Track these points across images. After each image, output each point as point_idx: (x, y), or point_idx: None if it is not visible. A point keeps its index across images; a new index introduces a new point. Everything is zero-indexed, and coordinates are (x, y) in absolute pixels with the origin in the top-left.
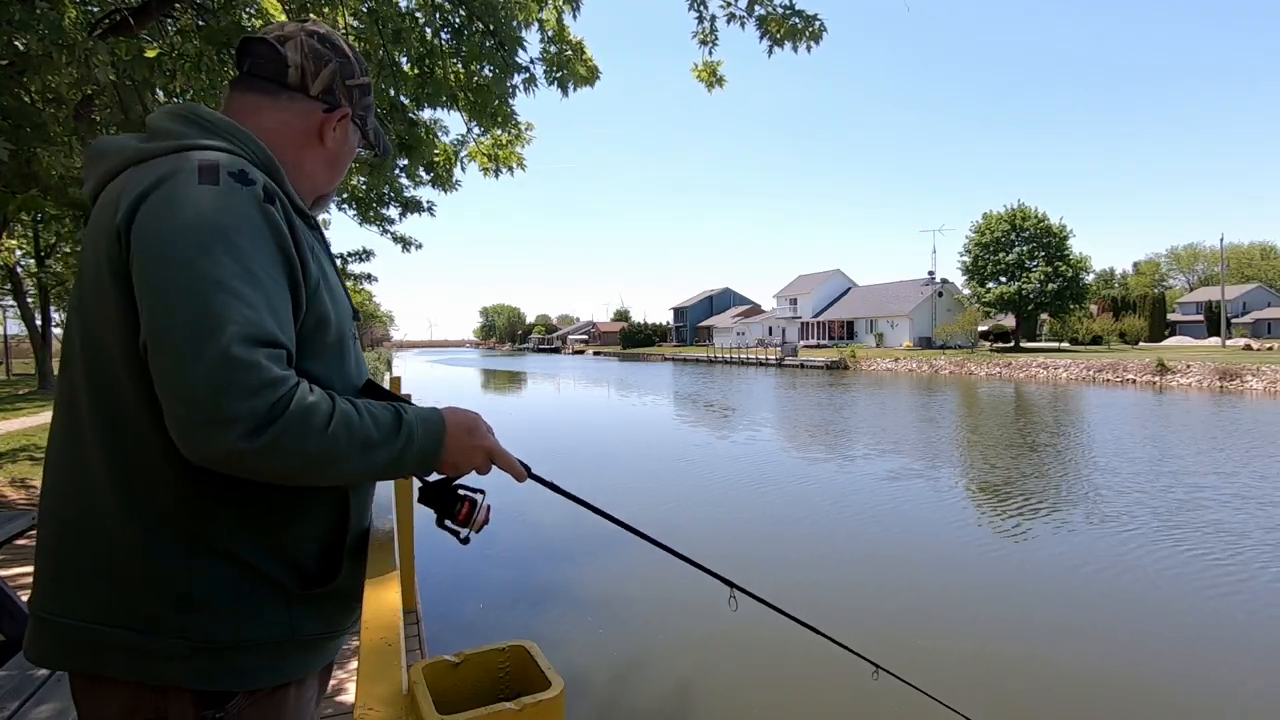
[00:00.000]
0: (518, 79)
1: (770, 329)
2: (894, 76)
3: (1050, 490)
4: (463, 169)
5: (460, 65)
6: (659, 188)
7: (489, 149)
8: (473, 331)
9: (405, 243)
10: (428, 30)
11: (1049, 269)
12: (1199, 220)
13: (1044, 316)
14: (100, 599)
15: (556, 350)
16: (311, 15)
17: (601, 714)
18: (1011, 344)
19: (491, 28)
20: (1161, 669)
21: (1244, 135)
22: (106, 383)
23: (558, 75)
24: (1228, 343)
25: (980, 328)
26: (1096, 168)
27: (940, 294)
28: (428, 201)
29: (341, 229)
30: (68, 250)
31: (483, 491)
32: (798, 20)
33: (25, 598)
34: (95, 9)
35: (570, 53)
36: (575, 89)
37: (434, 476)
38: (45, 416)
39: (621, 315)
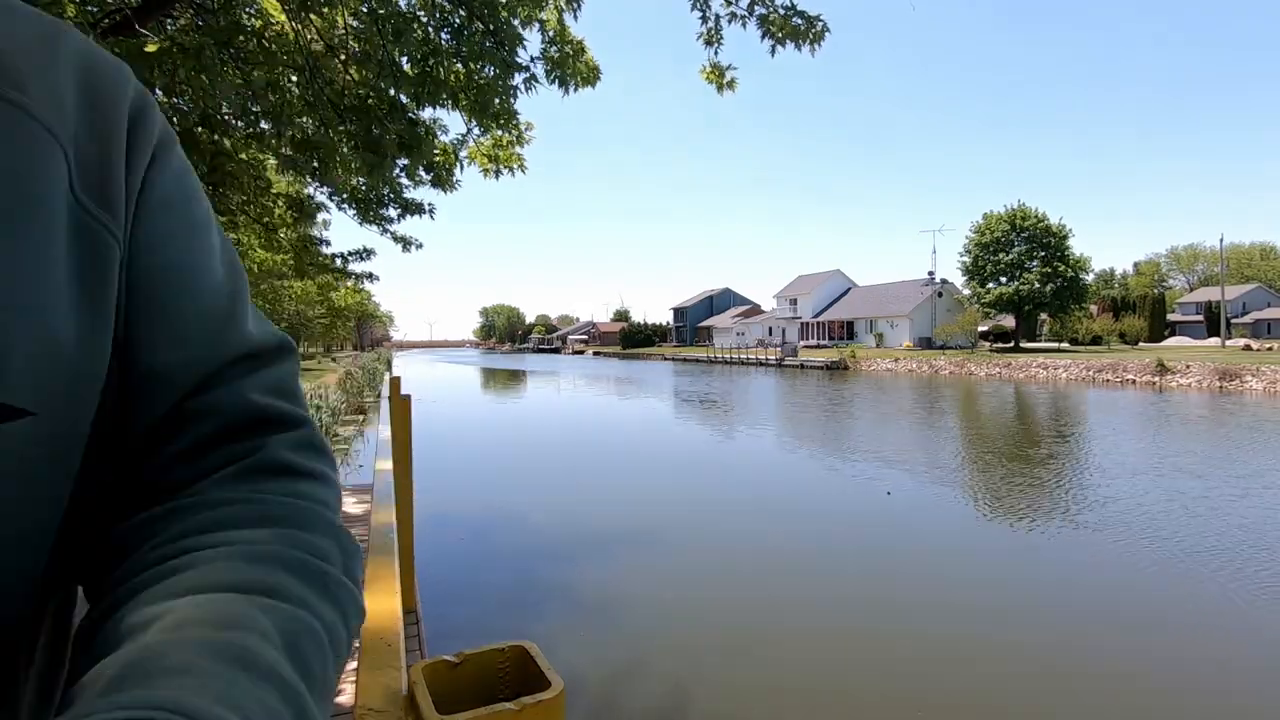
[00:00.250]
0: (518, 78)
1: (770, 329)
2: (894, 76)
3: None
4: (462, 169)
5: (461, 65)
6: (659, 187)
7: (489, 150)
8: (473, 332)
9: (406, 243)
10: (429, 29)
11: (1049, 269)
12: (1199, 220)
13: (1044, 317)
14: None
15: (557, 350)
16: (311, 15)
17: (600, 714)
18: (1011, 344)
19: (491, 27)
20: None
21: (1244, 136)
22: None
23: (558, 74)
24: (1228, 343)
25: (980, 328)
26: (1096, 168)
27: (940, 294)
28: (428, 204)
29: (341, 228)
30: None
31: None
32: (800, 21)
33: None
34: (95, 9)
35: (571, 52)
36: (576, 89)
37: None
38: None
39: (621, 315)
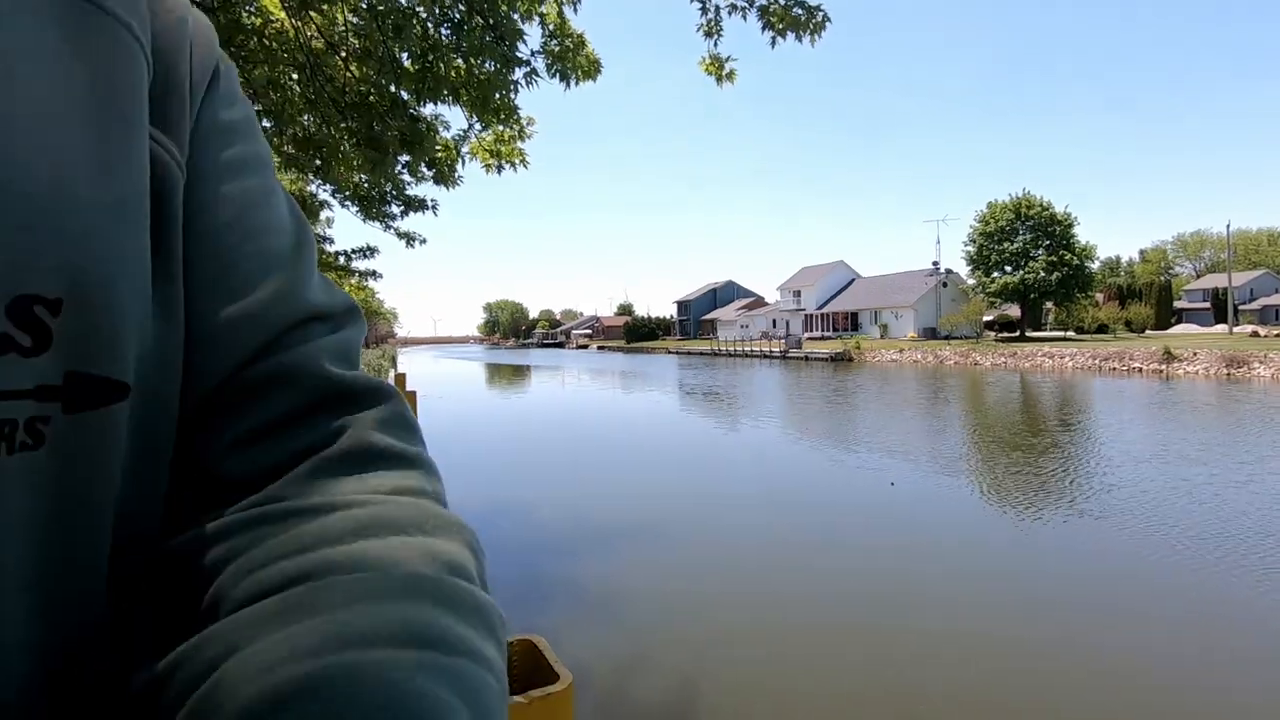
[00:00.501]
0: (519, 73)
1: (774, 321)
2: (894, 65)
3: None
4: (464, 165)
5: (461, 60)
6: (660, 180)
7: (491, 145)
8: (476, 327)
9: (409, 239)
10: (428, 25)
11: (1054, 258)
12: (1206, 207)
13: (1049, 306)
14: None
15: (560, 345)
16: (311, 13)
17: (607, 707)
18: (1017, 334)
19: (491, 21)
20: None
21: (1251, 122)
22: None
23: (559, 68)
24: (1235, 330)
25: (985, 317)
26: (1101, 156)
27: (945, 284)
28: (430, 200)
29: (344, 225)
30: None
31: None
32: (800, 11)
33: None
34: None
35: (571, 46)
36: (578, 82)
37: None
38: None
39: (625, 309)
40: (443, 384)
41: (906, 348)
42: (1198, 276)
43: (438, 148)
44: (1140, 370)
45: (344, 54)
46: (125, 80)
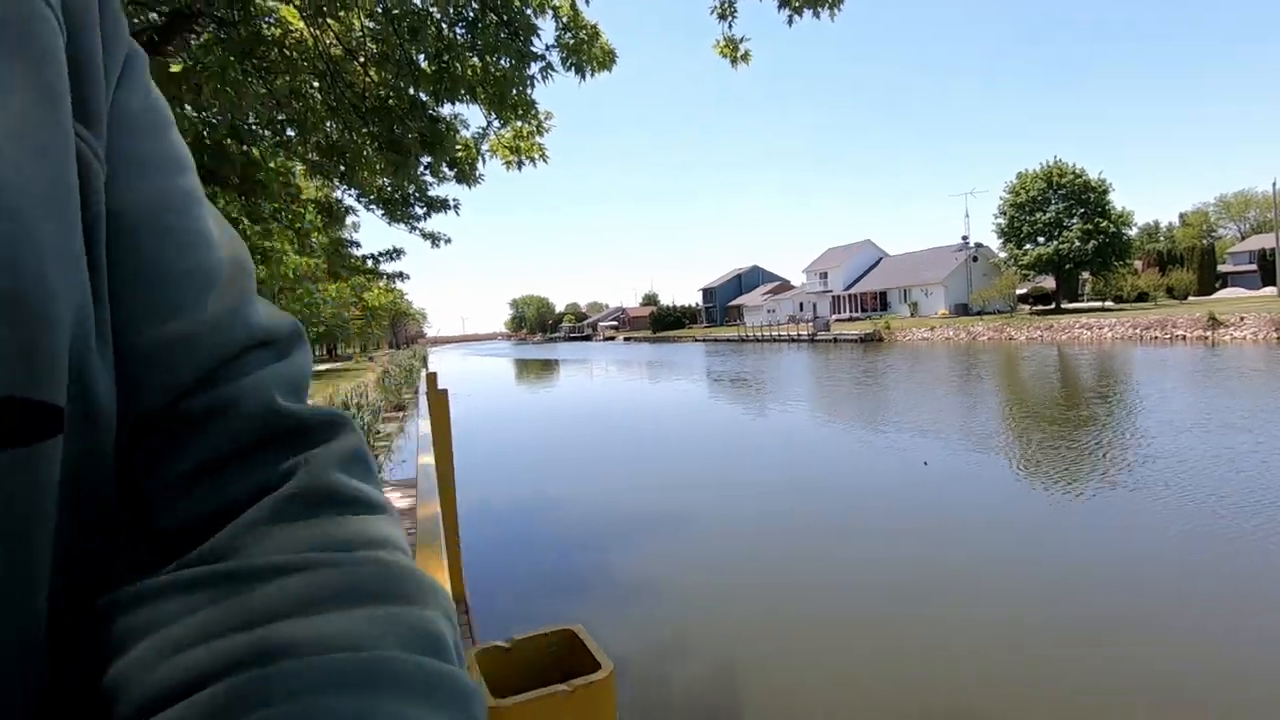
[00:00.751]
0: (534, 68)
1: (801, 305)
2: (912, 43)
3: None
4: (484, 163)
5: (477, 59)
6: (679, 168)
7: (510, 141)
8: (504, 324)
9: (434, 239)
10: (443, 26)
11: (1089, 226)
12: (1249, 166)
13: (1085, 276)
14: None
15: (587, 338)
16: (328, 20)
17: (645, 694)
18: (1052, 306)
19: (505, 18)
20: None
21: None
22: None
23: (574, 61)
24: None
25: (1019, 291)
26: (1135, 118)
27: (975, 259)
28: (453, 199)
29: (371, 230)
30: None
31: None
32: None
33: None
34: None
35: (585, 38)
36: (593, 74)
37: None
38: None
39: (650, 299)
40: (472, 381)
41: (938, 325)
42: (1243, 238)
43: (458, 147)
44: (1184, 338)
45: (362, 59)
46: (46, 54)
